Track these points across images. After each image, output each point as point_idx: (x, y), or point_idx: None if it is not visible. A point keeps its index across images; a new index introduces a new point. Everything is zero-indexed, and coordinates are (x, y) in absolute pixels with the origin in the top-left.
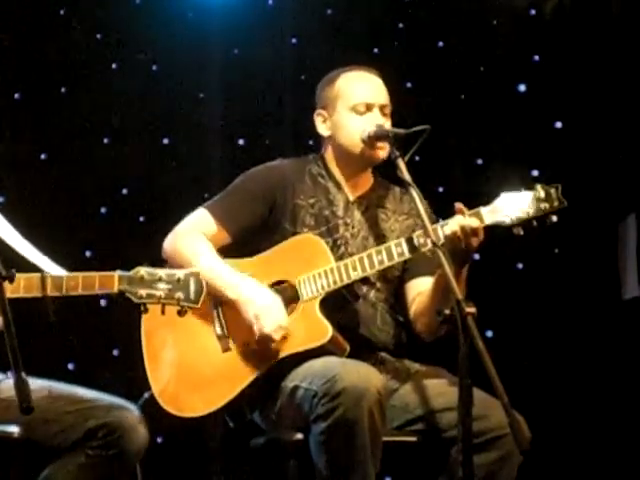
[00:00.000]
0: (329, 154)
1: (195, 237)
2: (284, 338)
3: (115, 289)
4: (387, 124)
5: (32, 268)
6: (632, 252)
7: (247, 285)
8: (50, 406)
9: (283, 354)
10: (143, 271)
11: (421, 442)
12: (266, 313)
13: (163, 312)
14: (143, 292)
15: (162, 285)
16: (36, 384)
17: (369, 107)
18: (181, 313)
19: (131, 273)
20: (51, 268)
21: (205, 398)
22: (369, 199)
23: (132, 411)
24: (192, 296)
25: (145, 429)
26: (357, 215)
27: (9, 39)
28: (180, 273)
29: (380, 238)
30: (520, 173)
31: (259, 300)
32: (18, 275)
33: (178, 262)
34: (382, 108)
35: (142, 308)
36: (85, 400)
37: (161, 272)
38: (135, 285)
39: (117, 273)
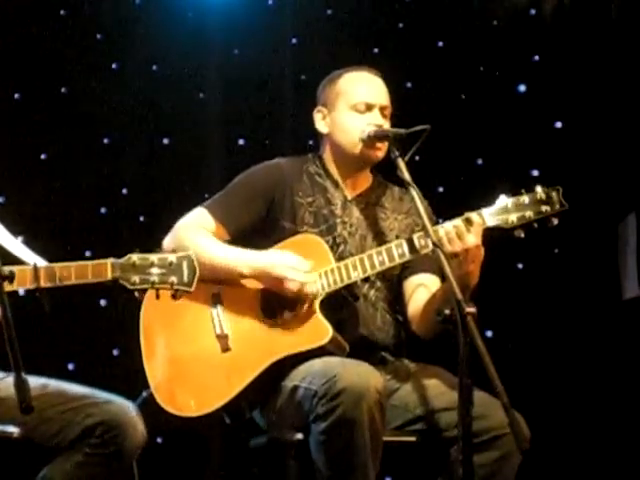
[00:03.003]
0: (327, 153)
1: (196, 230)
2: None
3: (109, 277)
4: (386, 125)
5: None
6: (632, 252)
7: (256, 256)
8: (47, 405)
9: (283, 354)
10: (135, 257)
11: (421, 442)
12: (288, 272)
13: (158, 297)
14: (136, 278)
15: (155, 270)
16: (37, 383)
17: (369, 107)
18: (175, 297)
19: (123, 260)
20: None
21: (203, 398)
22: (367, 198)
23: (129, 408)
24: (185, 279)
25: (143, 426)
26: (355, 213)
27: (9, 39)
28: (172, 257)
29: (379, 237)
30: (520, 173)
31: (273, 262)
32: (10, 268)
33: None
34: (382, 109)
35: (136, 294)
36: (82, 398)
37: (153, 257)
38: (128, 272)
39: (110, 261)
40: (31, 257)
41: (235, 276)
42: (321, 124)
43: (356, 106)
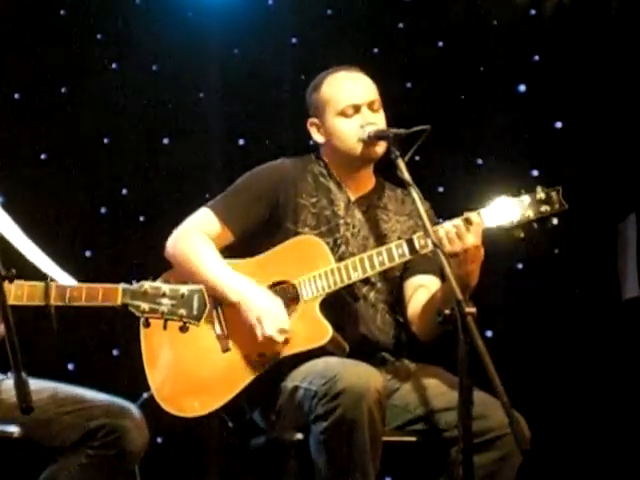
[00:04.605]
0: (328, 156)
1: (197, 238)
2: (286, 340)
3: (118, 302)
4: (379, 118)
5: (36, 271)
6: (632, 252)
7: (248, 288)
8: (50, 406)
9: (283, 355)
10: (147, 285)
11: (421, 442)
12: (267, 316)
13: (165, 327)
14: (146, 306)
15: (165, 300)
16: (39, 385)
17: (356, 108)
18: (183, 329)
19: (135, 287)
20: (55, 272)
21: (204, 398)
22: (370, 199)
23: (132, 411)
24: (195, 312)
25: (145, 429)
26: (358, 215)
27: (9, 40)
28: (184, 289)
29: (380, 238)
30: (520, 173)
31: (260, 303)
32: (22, 283)
33: (180, 263)
34: (370, 105)
35: (144, 322)
36: (85, 400)
37: (165, 287)
38: (138, 299)
39: (121, 286)
40: (46, 264)
41: (221, 298)
42: (317, 136)
43: (343, 111)
